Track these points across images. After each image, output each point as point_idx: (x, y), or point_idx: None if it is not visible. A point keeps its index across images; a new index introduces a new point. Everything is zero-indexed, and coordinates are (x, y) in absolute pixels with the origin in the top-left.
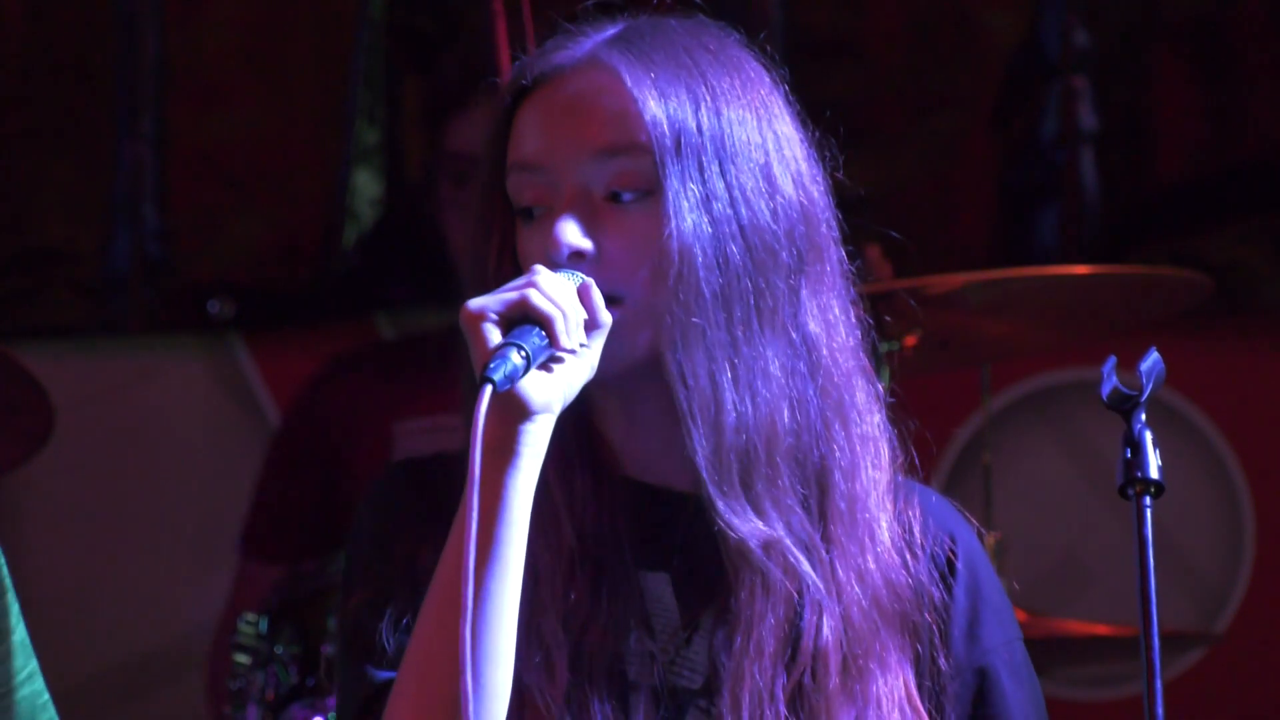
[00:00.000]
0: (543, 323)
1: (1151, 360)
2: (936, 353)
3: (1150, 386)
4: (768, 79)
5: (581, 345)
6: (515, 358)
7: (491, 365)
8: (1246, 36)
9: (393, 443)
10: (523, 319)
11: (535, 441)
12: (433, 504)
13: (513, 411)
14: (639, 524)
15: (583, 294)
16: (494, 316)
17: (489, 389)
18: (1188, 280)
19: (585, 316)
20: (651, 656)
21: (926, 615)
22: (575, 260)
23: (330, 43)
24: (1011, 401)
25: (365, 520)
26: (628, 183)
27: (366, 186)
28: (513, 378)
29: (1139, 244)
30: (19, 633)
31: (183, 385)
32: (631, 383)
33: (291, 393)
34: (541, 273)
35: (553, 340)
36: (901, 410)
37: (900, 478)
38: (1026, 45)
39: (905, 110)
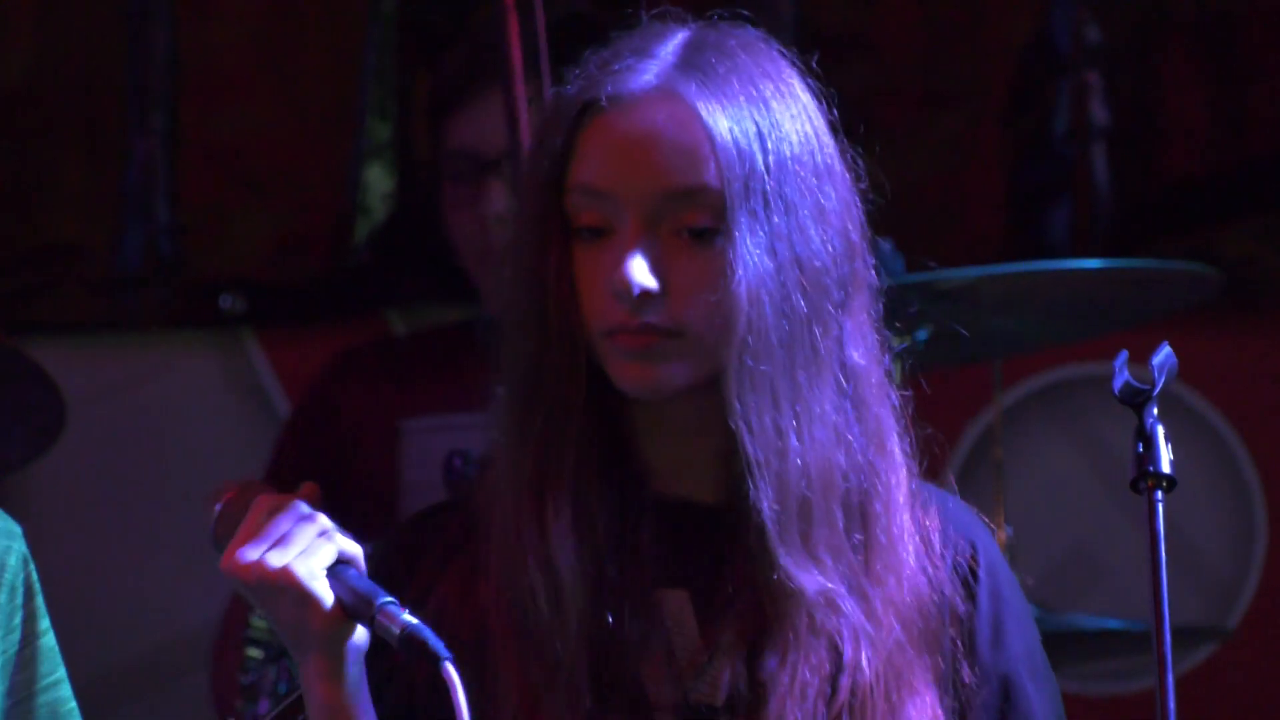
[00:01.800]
0: (354, 561)
1: (1163, 354)
2: (948, 348)
3: (1162, 381)
4: (811, 95)
5: None
6: (408, 615)
7: (432, 641)
8: (1259, 31)
9: (400, 439)
10: (336, 563)
11: (362, 653)
12: (440, 551)
13: (348, 643)
14: (661, 540)
15: (311, 498)
16: (322, 573)
17: (449, 665)
18: (1200, 275)
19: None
20: (672, 676)
21: (950, 630)
22: (642, 299)
23: (341, 38)
24: (1023, 396)
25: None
26: (696, 221)
27: (378, 182)
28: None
29: (1151, 239)
30: (48, 638)
31: (194, 381)
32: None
33: (300, 388)
34: (318, 519)
35: (360, 568)
36: (913, 408)
37: (916, 482)
38: (1038, 41)
39: (916, 106)
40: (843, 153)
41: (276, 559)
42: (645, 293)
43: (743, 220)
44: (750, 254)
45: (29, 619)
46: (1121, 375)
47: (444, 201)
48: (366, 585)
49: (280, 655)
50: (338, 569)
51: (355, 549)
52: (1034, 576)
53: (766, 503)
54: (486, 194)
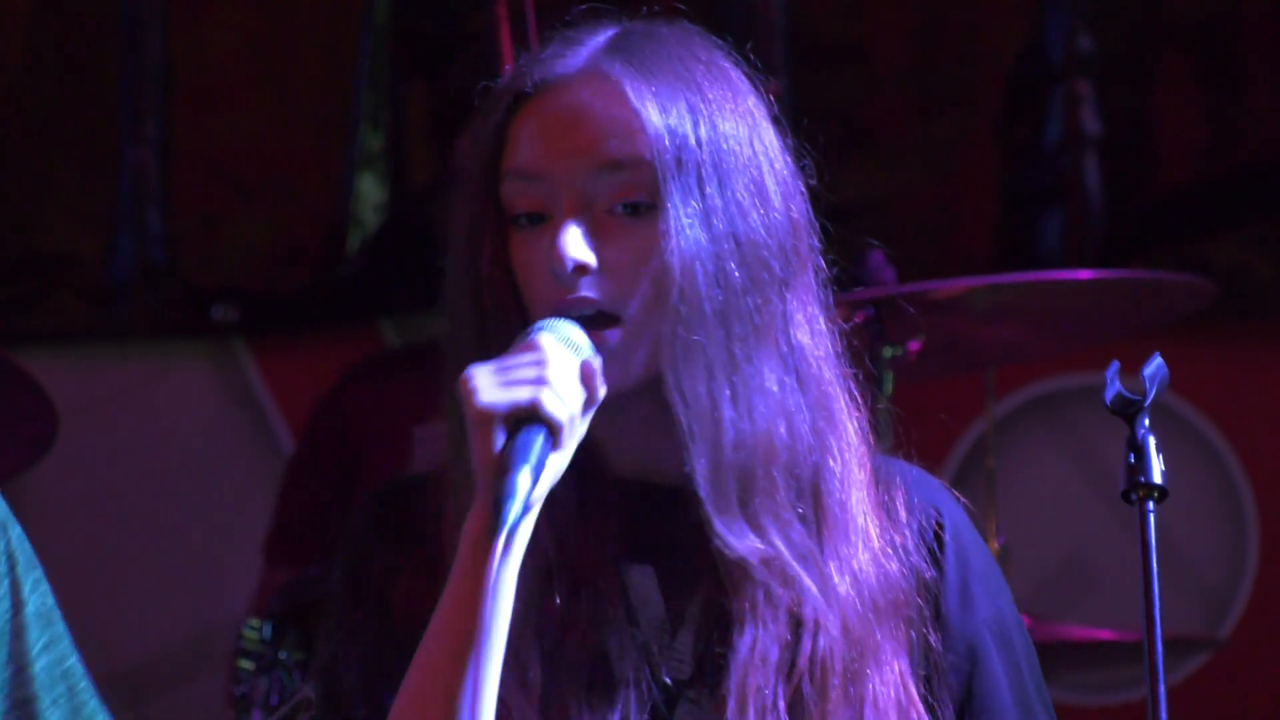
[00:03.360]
0: (551, 427)
1: (1155, 365)
2: (940, 358)
3: (1154, 391)
4: (753, 89)
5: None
6: (525, 481)
7: (505, 506)
8: (1250, 41)
9: (414, 446)
10: (530, 417)
11: (526, 533)
12: (406, 532)
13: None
14: (621, 519)
15: (585, 375)
16: (501, 419)
17: (503, 535)
18: (1191, 285)
19: (585, 397)
20: (636, 651)
21: (918, 599)
22: (578, 273)
23: (334, 48)
24: (1015, 407)
25: (339, 562)
26: (629, 196)
27: (370, 192)
28: (528, 507)
29: (1143, 249)
30: (37, 603)
31: (186, 390)
32: (621, 398)
33: (306, 398)
34: (550, 361)
35: (556, 444)
36: (905, 415)
37: (877, 459)
38: (1030, 50)
39: (909, 115)
40: (782, 131)
41: (484, 400)
42: (580, 266)
43: (675, 192)
44: (683, 225)
45: (15, 587)
46: (1113, 386)
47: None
48: (524, 441)
49: (272, 666)
50: (530, 427)
51: (562, 416)
52: (1026, 586)
53: (700, 470)
54: None
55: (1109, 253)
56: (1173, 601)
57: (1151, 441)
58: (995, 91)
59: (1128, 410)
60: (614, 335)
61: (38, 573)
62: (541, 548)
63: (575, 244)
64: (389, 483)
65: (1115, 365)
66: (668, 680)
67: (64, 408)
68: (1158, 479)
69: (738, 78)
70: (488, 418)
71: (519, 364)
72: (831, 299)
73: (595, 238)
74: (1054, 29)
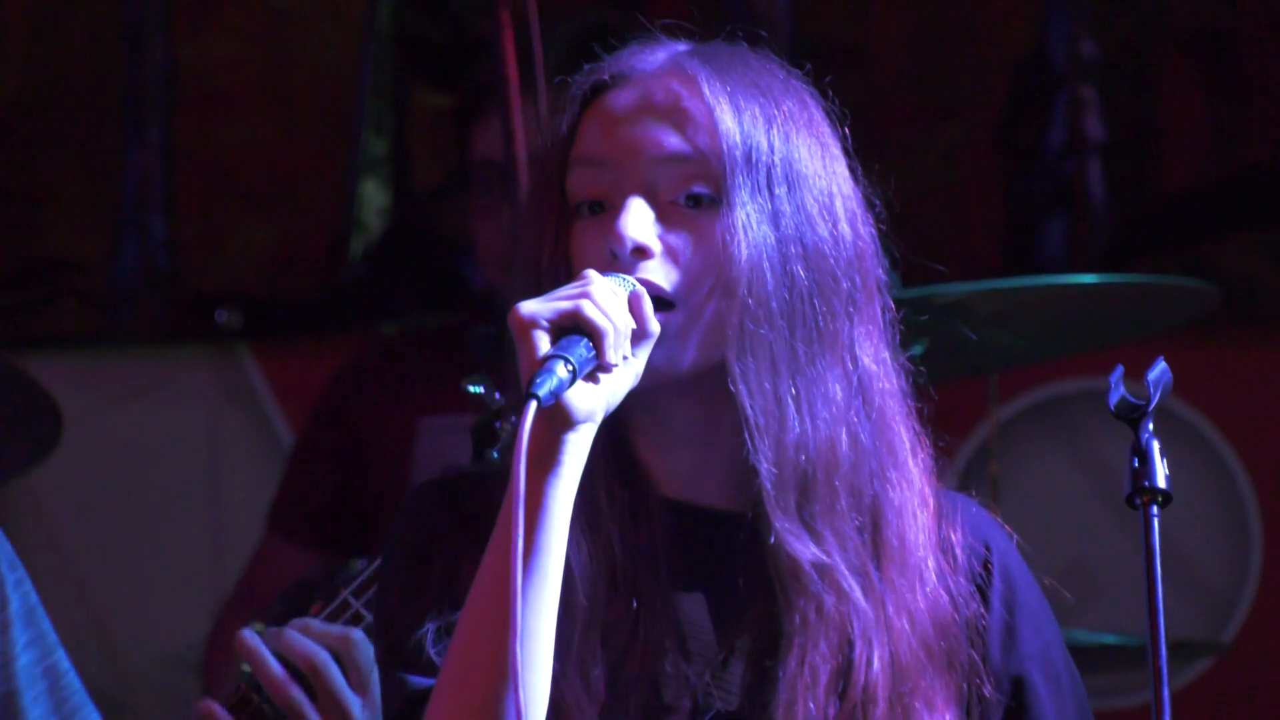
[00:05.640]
0: (592, 335)
1: (1159, 370)
2: (944, 362)
3: (1158, 396)
4: (826, 119)
5: (626, 358)
6: (561, 371)
7: (537, 381)
8: (1254, 46)
9: (416, 438)
10: (573, 328)
11: (577, 450)
12: (469, 521)
13: (556, 421)
14: (675, 544)
15: (633, 303)
16: (544, 324)
17: (533, 405)
18: (1195, 290)
19: (634, 327)
20: (687, 679)
21: (972, 650)
22: (637, 256)
23: (337, 53)
24: (1019, 411)
25: (401, 531)
26: (693, 187)
27: (374, 196)
28: (557, 392)
29: (1146, 254)
30: (15, 603)
31: (190, 395)
32: (668, 398)
33: (309, 402)
34: (595, 281)
35: (600, 354)
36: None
37: (939, 493)
38: (1034, 55)
39: (913, 120)
40: (856, 178)
41: (527, 309)
42: (640, 249)
43: (744, 189)
44: (751, 221)
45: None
46: (1117, 390)
47: (470, 211)
48: (564, 343)
49: None
50: (571, 335)
51: (605, 325)
52: None
53: (765, 464)
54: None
55: (1113, 257)
56: (1176, 606)
57: (1155, 446)
58: (999, 96)
59: (1132, 415)
60: (665, 318)
61: (20, 573)
62: (608, 551)
63: (636, 224)
64: (443, 477)
65: (1119, 370)
66: (718, 708)
67: (67, 412)
68: (1162, 484)
69: (814, 105)
70: (530, 324)
71: (564, 288)
72: (898, 339)
73: (657, 224)
74: (1057, 34)
